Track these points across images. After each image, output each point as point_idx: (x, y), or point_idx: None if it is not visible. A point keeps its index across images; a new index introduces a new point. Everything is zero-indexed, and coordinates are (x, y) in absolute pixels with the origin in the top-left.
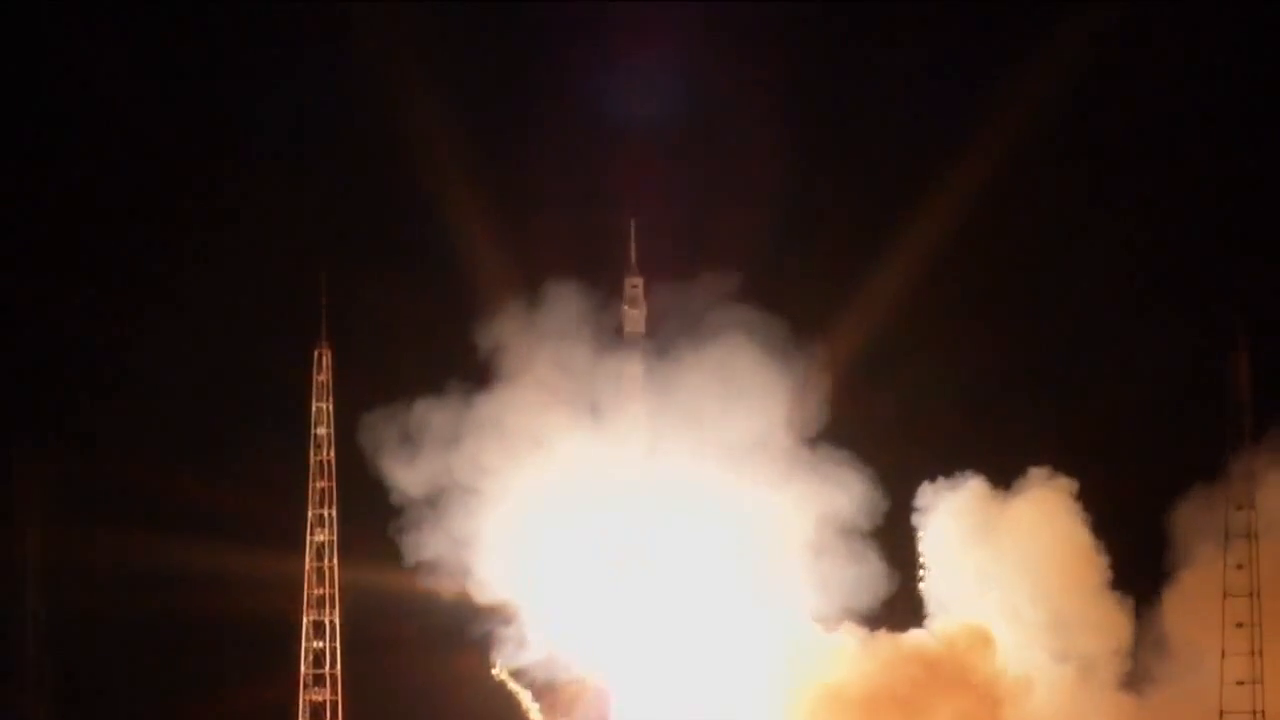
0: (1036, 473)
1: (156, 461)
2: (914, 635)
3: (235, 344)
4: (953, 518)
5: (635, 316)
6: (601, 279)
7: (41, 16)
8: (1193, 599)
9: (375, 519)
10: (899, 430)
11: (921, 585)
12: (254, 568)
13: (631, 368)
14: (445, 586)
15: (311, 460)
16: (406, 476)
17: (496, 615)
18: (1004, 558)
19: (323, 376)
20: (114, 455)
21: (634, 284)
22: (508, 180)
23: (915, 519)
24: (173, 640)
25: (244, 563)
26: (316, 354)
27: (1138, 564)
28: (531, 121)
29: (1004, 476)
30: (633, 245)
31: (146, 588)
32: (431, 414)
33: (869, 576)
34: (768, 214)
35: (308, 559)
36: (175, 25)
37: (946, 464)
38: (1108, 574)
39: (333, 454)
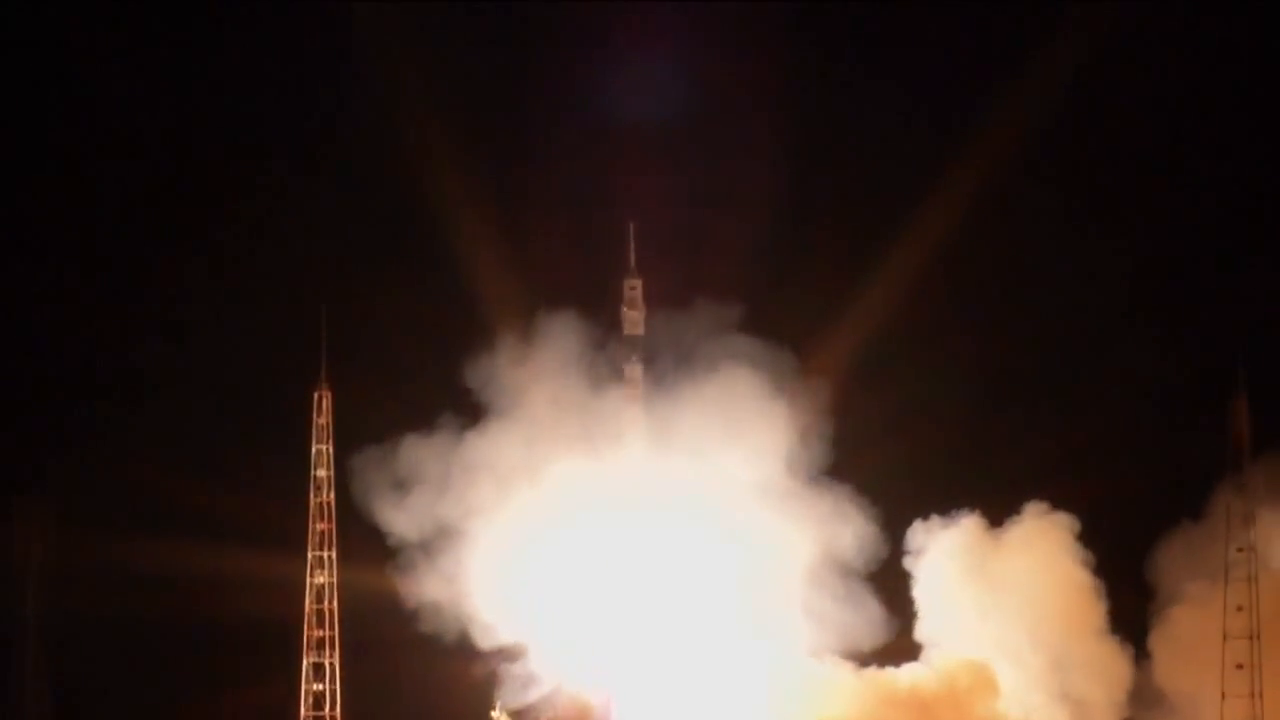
0: (1033, 508)
1: (163, 468)
2: (913, 671)
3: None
4: (947, 559)
5: (634, 318)
6: (600, 316)
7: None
8: (1182, 641)
9: (379, 558)
10: (895, 464)
11: (917, 628)
12: (258, 574)
13: (631, 370)
14: (446, 629)
15: (311, 502)
16: (401, 519)
17: (500, 655)
18: (1000, 597)
19: (323, 419)
20: (117, 462)
21: (633, 286)
22: (505, 199)
23: (907, 562)
24: (175, 648)
25: (248, 568)
26: (316, 396)
27: (1130, 605)
28: (529, 134)
29: (999, 511)
30: (631, 248)
31: (148, 594)
32: (424, 455)
33: (867, 615)
34: (763, 226)
35: (308, 601)
36: (174, 65)
37: (940, 498)
38: (1105, 615)
39: (332, 496)
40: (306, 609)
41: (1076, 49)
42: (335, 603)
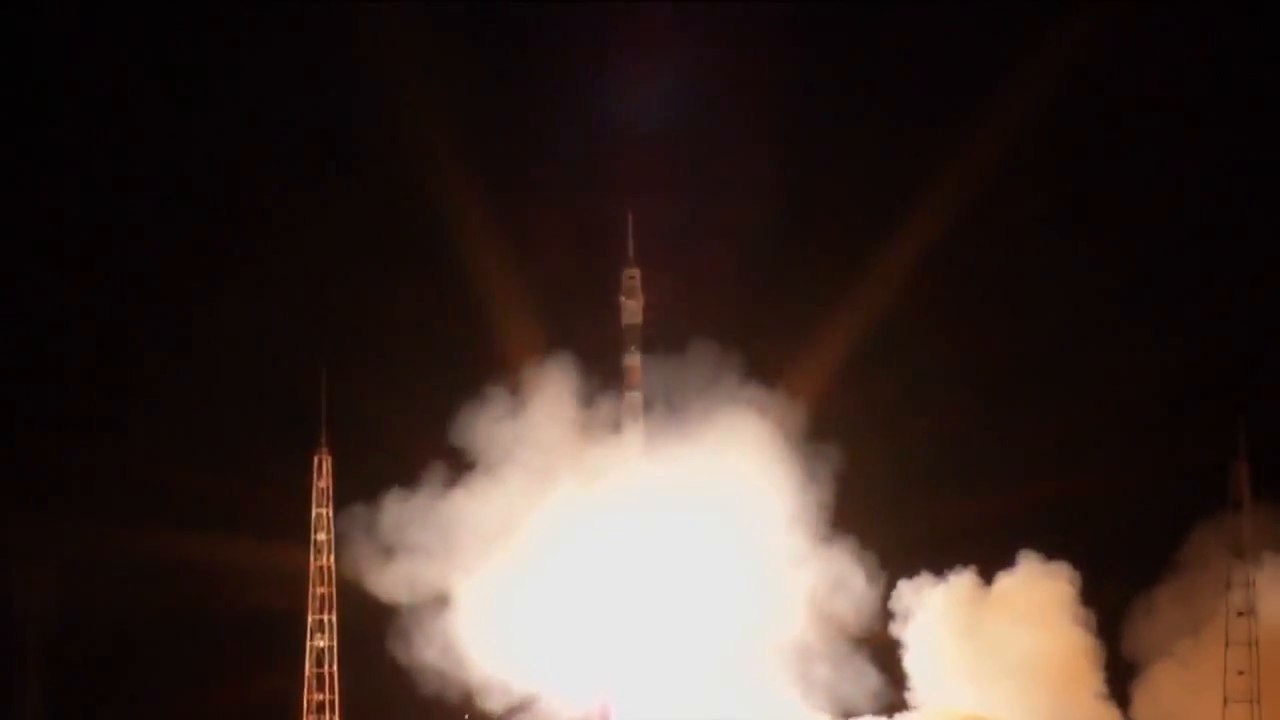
0: (1027, 560)
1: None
2: None
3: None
4: (938, 622)
5: (633, 308)
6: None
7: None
8: (1167, 703)
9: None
10: (892, 518)
11: (909, 695)
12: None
13: (630, 359)
14: (448, 691)
15: (311, 566)
16: (392, 584)
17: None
18: (994, 658)
19: (323, 482)
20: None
21: (631, 276)
22: (504, 210)
23: (894, 627)
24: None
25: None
26: (316, 459)
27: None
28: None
29: (992, 562)
30: (630, 237)
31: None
32: (413, 518)
33: (864, 679)
34: (762, 226)
35: (308, 665)
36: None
37: (934, 551)
38: (1103, 675)
39: (333, 559)
40: (306, 672)
41: (1073, 45)
42: (335, 666)
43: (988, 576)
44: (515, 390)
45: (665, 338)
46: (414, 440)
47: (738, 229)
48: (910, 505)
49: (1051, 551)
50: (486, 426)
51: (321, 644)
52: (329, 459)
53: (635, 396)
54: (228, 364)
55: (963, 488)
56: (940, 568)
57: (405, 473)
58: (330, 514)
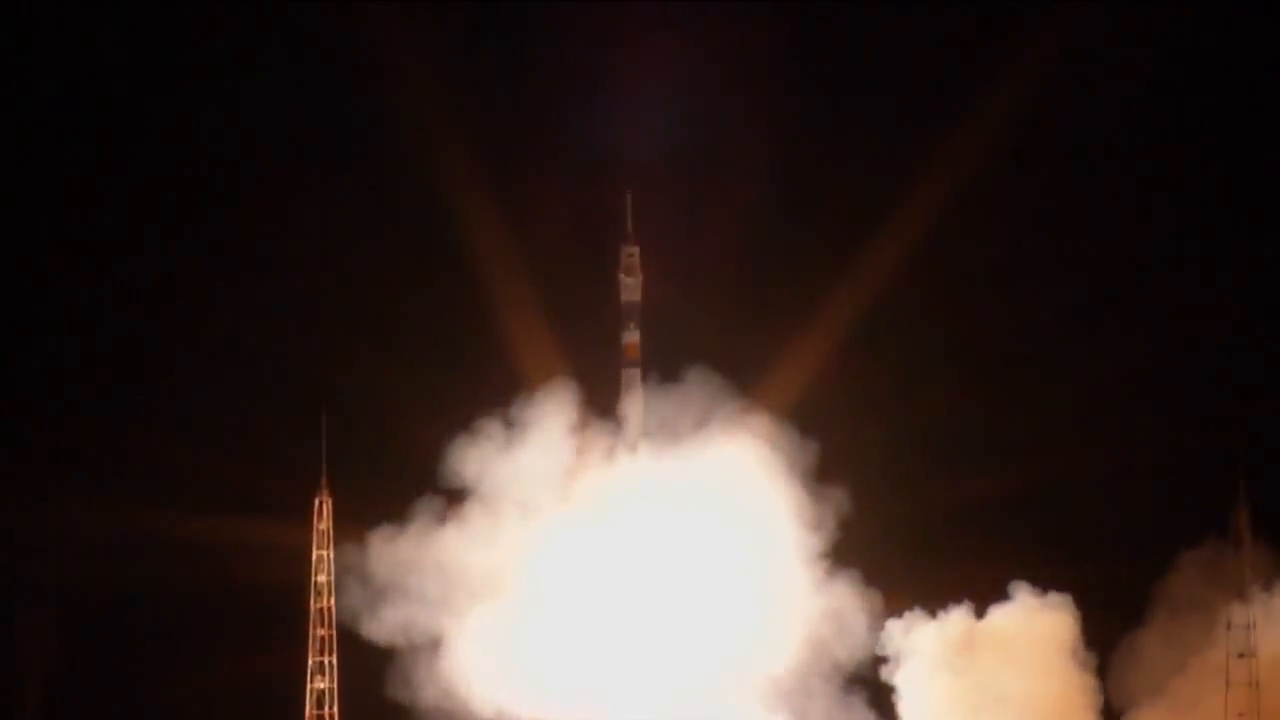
0: (1022, 593)
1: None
2: None
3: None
4: (931, 665)
5: (631, 285)
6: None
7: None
8: None
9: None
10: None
11: None
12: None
13: (629, 336)
14: None
15: (312, 608)
16: (387, 627)
17: None
18: (986, 697)
19: (323, 525)
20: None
21: (630, 252)
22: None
23: (885, 671)
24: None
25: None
26: (317, 502)
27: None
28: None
29: (987, 595)
30: (629, 216)
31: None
32: (406, 558)
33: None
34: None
35: (308, 707)
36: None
37: (930, 586)
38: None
39: (333, 601)
40: (307, 715)
41: (1068, 35)
42: (336, 708)
43: (980, 610)
44: (510, 424)
45: (663, 354)
46: (409, 473)
47: (735, 222)
48: (902, 533)
49: (1044, 582)
50: (481, 460)
51: (322, 686)
52: (329, 501)
53: (634, 373)
54: (230, 355)
55: (955, 504)
56: (931, 602)
57: (398, 510)
58: (331, 556)
